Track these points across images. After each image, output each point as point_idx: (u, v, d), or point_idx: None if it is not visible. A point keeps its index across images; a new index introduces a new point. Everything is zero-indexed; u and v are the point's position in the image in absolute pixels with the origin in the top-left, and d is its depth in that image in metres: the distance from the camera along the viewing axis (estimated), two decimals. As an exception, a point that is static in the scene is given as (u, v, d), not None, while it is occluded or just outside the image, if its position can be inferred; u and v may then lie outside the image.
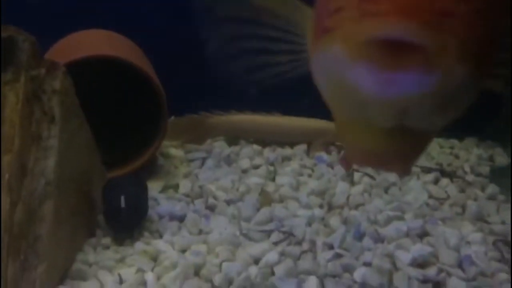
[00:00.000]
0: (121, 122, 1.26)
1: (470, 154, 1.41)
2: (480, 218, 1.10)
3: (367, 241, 1.02)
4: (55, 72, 0.93)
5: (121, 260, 0.95)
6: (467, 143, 1.47)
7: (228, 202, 1.15)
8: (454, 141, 1.47)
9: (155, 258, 0.95)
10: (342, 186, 1.21)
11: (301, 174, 1.28)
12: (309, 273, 0.92)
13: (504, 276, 0.92)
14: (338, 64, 0.44)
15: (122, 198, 1.03)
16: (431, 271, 0.94)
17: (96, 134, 1.06)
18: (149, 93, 1.20)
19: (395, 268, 0.94)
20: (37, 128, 0.90)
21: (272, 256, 0.95)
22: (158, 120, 1.22)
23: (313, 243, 1.00)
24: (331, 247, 1.00)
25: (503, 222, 1.08)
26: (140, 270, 0.91)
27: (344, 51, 0.43)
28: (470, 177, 1.28)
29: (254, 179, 1.24)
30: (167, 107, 1.22)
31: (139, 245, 0.98)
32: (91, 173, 1.04)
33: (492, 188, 1.22)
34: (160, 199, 1.14)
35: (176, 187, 1.21)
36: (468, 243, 1.01)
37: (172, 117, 1.38)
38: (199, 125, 1.41)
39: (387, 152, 0.55)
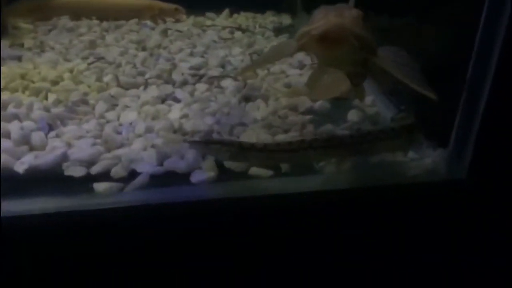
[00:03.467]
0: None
1: (265, 20, 1.74)
2: (249, 46, 1.43)
3: (161, 61, 1.30)
4: None
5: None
6: (267, 14, 1.80)
7: (62, 49, 1.38)
8: (258, 14, 1.80)
9: None
10: (157, 38, 1.49)
11: (127, 34, 1.54)
12: (108, 73, 1.19)
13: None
14: None
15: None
16: (202, 71, 1.25)
17: None
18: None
19: (175, 69, 1.24)
20: None
21: (82, 66, 1.21)
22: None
23: (119, 63, 1.27)
24: (133, 64, 1.27)
25: (264, 46, 1.42)
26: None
27: None
28: (257, 30, 1.61)
29: (87, 37, 1.47)
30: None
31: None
32: None
33: (269, 34, 1.56)
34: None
35: (21, 45, 1.42)
36: (233, 56, 1.34)
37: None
38: (44, 6, 1.62)
39: None
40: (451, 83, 0.88)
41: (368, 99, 1.07)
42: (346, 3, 0.95)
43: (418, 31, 1.07)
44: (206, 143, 0.84)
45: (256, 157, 0.84)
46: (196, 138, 0.90)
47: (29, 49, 1.37)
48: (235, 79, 1.18)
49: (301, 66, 1.26)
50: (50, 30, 1.55)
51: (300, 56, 1.30)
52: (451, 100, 0.86)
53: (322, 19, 0.78)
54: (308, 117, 1.02)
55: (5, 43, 1.40)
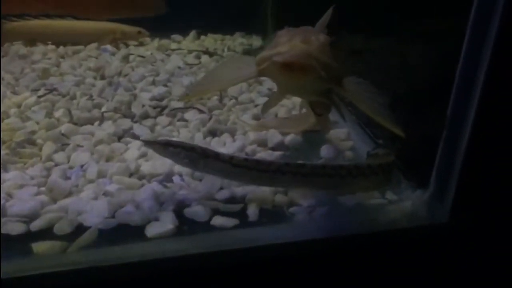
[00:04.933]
0: None
1: (234, 42, 1.69)
2: (216, 72, 1.36)
3: (120, 91, 1.22)
4: None
5: None
6: (236, 36, 1.75)
7: (12, 79, 1.29)
8: (227, 36, 1.74)
9: None
10: (117, 64, 1.40)
11: (85, 60, 1.46)
12: (60, 107, 1.10)
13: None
14: None
15: None
16: (164, 102, 1.17)
17: None
18: None
19: (135, 100, 1.16)
20: None
21: (31, 100, 1.12)
22: None
23: (74, 94, 1.19)
24: (90, 95, 1.19)
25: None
26: None
27: None
28: (225, 54, 1.55)
29: (41, 65, 1.38)
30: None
31: None
32: None
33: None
34: None
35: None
36: (198, 84, 1.27)
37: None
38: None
39: None
40: (432, 116, 0.83)
41: (343, 132, 1.02)
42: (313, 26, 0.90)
43: (396, 55, 1.02)
44: (165, 145, 0.78)
45: (217, 168, 0.78)
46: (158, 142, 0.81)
47: (-25, 79, 1.29)
48: (200, 111, 1.11)
49: (271, 94, 1.20)
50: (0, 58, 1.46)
51: (270, 83, 1.25)
52: (431, 136, 0.81)
53: (286, 44, 0.72)
54: (278, 153, 0.96)
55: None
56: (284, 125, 1.03)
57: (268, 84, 1.25)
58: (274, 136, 1.00)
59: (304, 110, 1.06)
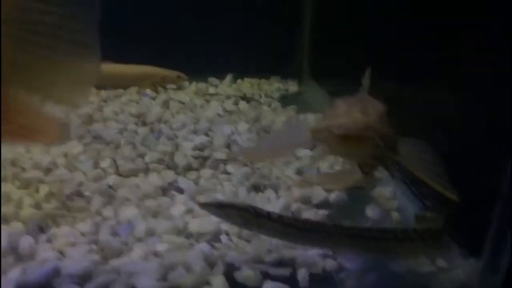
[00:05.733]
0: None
1: (271, 86, 1.71)
2: (256, 120, 1.38)
3: (162, 140, 1.24)
4: None
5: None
6: (272, 80, 1.78)
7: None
8: (263, 80, 1.77)
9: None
10: (157, 110, 1.44)
11: (127, 105, 1.50)
12: (105, 156, 1.13)
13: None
14: None
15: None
16: (206, 152, 1.19)
17: None
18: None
19: (177, 150, 1.19)
20: None
21: (77, 149, 1.16)
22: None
23: (118, 143, 1.22)
24: (133, 144, 1.21)
25: (272, 121, 1.37)
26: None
27: None
28: (263, 100, 1.57)
29: (84, 110, 1.42)
30: None
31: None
32: None
33: (275, 104, 1.52)
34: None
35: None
36: (239, 133, 1.29)
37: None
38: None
39: None
40: (486, 178, 0.83)
41: (388, 190, 1.02)
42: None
43: (442, 106, 1.02)
44: (219, 207, 0.79)
45: (269, 228, 0.79)
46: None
47: (22, 124, 1.33)
48: (243, 163, 1.12)
49: (312, 146, 1.21)
50: (45, 101, 1.51)
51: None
52: (484, 200, 0.81)
53: (345, 115, 0.74)
54: (323, 211, 0.96)
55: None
56: (327, 181, 1.04)
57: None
58: (318, 193, 1.00)
59: (346, 165, 1.06)
